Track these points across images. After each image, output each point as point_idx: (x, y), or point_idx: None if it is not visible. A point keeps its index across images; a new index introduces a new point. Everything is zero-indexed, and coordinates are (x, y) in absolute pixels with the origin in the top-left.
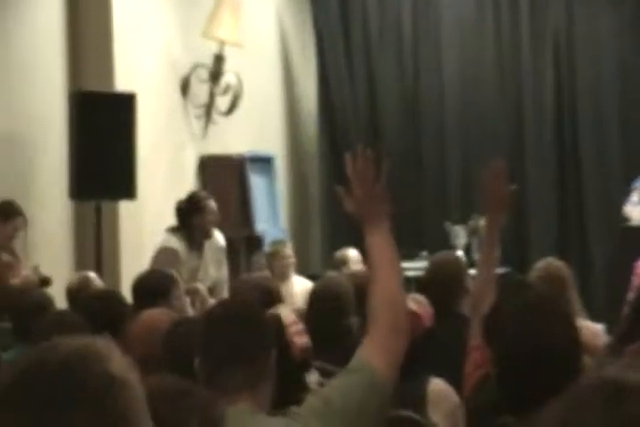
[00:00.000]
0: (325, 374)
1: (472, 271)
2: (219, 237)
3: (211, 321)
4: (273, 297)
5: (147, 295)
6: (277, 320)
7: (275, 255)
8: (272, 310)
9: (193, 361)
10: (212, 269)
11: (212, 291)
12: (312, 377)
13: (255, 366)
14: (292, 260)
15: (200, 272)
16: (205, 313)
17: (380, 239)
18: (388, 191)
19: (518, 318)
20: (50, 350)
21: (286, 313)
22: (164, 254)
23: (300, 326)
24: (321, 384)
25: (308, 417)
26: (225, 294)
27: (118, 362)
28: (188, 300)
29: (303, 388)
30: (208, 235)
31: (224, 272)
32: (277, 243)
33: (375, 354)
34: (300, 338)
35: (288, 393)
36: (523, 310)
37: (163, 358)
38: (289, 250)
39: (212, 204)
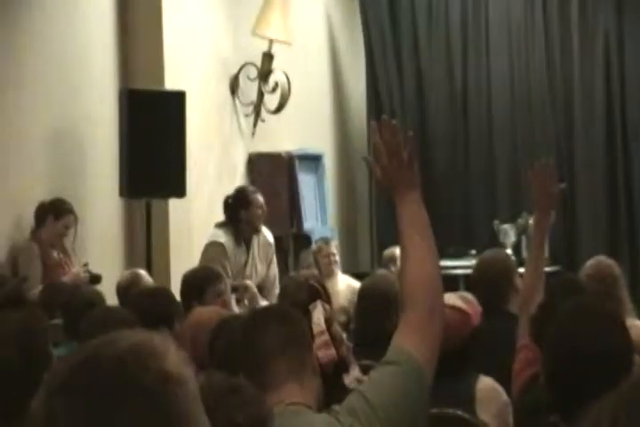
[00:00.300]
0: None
1: (521, 270)
2: (267, 234)
3: (252, 318)
4: (319, 295)
5: (190, 293)
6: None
7: (319, 253)
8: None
9: (236, 359)
10: (260, 266)
11: (260, 288)
12: (353, 373)
13: (297, 362)
14: (337, 257)
15: (248, 268)
16: (248, 313)
17: (410, 208)
18: (415, 160)
19: (573, 321)
20: (107, 345)
21: (316, 320)
22: (212, 249)
23: (326, 337)
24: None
25: (347, 416)
26: (276, 291)
27: (174, 358)
28: (233, 297)
29: (341, 390)
30: (256, 230)
31: (273, 269)
32: (322, 241)
33: (412, 341)
34: (323, 352)
35: (332, 394)
36: (577, 312)
37: (208, 356)
38: (333, 248)
39: (260, 198)
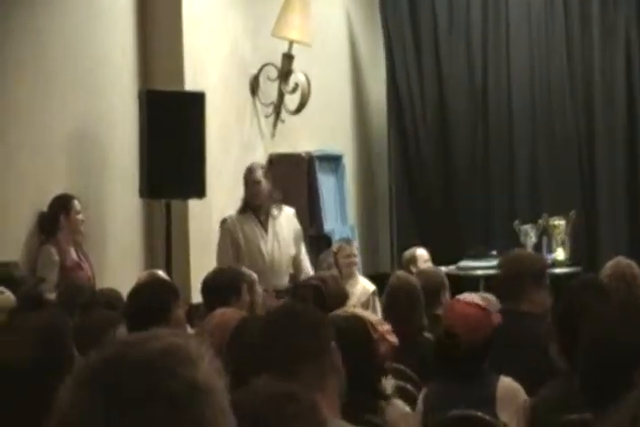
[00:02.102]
0: (405, 378)
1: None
2: (292, 218)
3: (268, 322)
4: (330, 296)
5: (217, 293)
6: (355, 320)
7: (340, 253)
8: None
9: (254, 360)
10: (284, 246)
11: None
12: (388, 382)
13: (316, 367)
14: (356, 258)
15: (263, 245)
16: (265, 314)
17: None
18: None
19: (609, 320)
20: (138, 344)
21: (364, 311)
22: (220, 230)
23: (388, 326)
24: (398, 389)
25: None
26: (308, 272)
27: (206, 367)
28: (261, 293)
29: (379, 395)
30: (259, 208)
31: (302, 253)
32: (344, 241)
33: None
34: (391, 337)
35: (363, 400)
36: (612, 312)
37: (228, 357)
38: (354, 248)
39: (253, 175)
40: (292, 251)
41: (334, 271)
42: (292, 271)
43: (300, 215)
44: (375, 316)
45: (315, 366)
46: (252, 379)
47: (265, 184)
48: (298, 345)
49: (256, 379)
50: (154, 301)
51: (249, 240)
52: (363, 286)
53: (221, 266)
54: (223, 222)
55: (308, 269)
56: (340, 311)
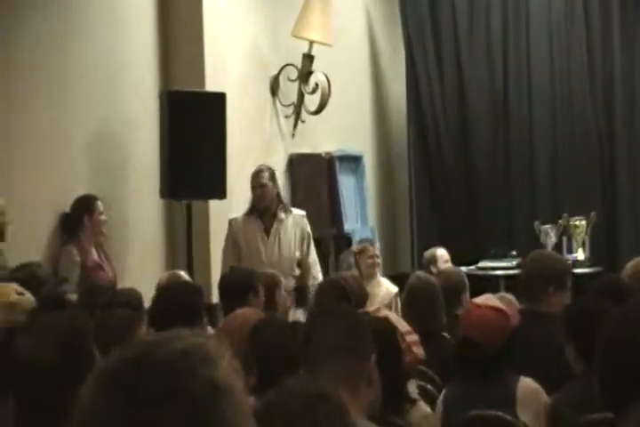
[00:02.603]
0: (426, 378)
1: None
2: (300, 220)
3: (317, 317)
4: (350, 297)
5: (233, 293)
6: (387, 324)
7: (363, 253)
8: (377, 313)
9: (276, 358)
10: (287, 248)
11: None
12: (412, 385)
13: (353, 368)
14: (378, 259)
15: (263, 246)
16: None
17: None
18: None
19: (630, 322)
20: (160, 345)
21: (397, 319)
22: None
23: (416, 337)
24: (419, 390)
25: None
26: (317, 276)
27: (225, 367)
28: (285, 295)
29: (404, 398)
30: (264, 211)
31: (312, 256)
32: (367, 241)
33: None
34: (418, 349)
35: (389, 402)
36: (633, 314)
37: (249, 356)
38: (376, 249)
39: (260, 178)
40: (296, 254)
41: (355, 272)
42: (296, 274)
43: (320, 215)
44: (404, 324)
45: (348, 366)
46: (278, 378)
47: (271, 187)
48: (337, 346)
49: (288, 378)
50: (182, 302)
51: (248, 243)
52: (386, 287)
53: (223, 267)
54: (229, 224)
55: (316, 272)
56: (371, 312)
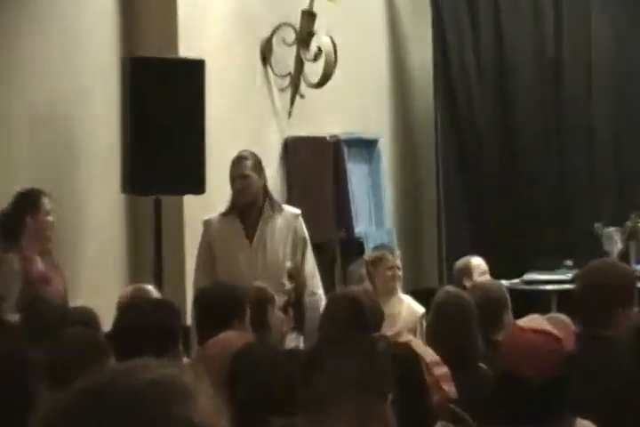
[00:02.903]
0: (456, 419)
1: None
2: (293, 220)
3: (321, 345)
4: (367, 319)
5: (211, 315)
6: (410, 352)
7: (376, 264)
8: (398, 338)
9: (263, 396)
10: (273, 254)
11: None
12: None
13: (368, 406)
14: (399, 271)
15: (242, 252)
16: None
17: None
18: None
19: None
20: (125, 375)
21: (422, 347)
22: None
23: (446, 369)
24: None
25: None
26: (317, 291)
27: (206, 405)
28: (280, 315)
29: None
30: (247, 209)
31: (308, 264)
32: (381, 249)
33: None
34: (447, 385)
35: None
36: None
37: (228, 385)
38: (395, 258)
39: (241, 168)
40: (287, 264)
41: (367, 286)
42: (287, 288)
43: (324, 215)
44: (431, 353)
45: (358, 409)
46: (261, 419)
47: (255, 179)
48: (341, 385)
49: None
50: (152, 324)
51: (225, 250)
52: (409, 306)
53: (195, 282)
54: (203, 227)
55: (315, 287)
56: (391, 337)
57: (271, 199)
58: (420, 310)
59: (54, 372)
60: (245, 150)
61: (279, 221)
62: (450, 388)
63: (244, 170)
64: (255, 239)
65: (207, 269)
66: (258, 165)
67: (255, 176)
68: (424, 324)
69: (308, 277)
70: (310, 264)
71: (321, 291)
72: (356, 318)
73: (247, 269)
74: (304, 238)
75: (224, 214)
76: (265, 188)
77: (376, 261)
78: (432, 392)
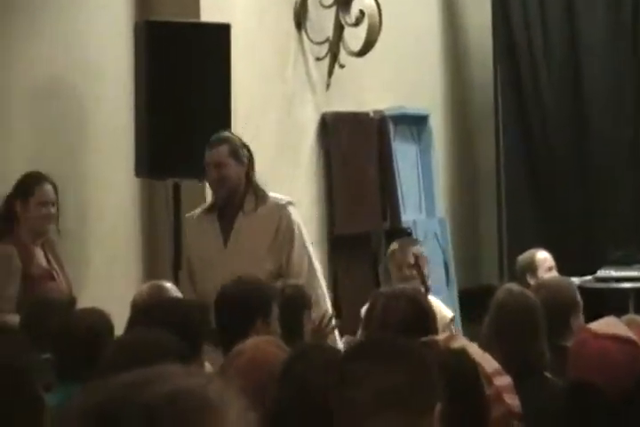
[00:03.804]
0: None
1: None
2: (275, 211)
3: (351, 356)
4: (430, 321)
5: (237, 314)
6: (466, 360)
7: (393, 259)
8: (452, 342)
9: (318, 402)
10: (250, 254)
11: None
12: None
13: (412, 420)
14: (426, 269)
15: (216, 254)
16: (349, 345)
17: None
18: None
19: None
20: (138, 388)
21: (480, 353)
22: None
23: (509, 380)
24: None
25: None
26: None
27: (233, 422)
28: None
29: None
30: (225, 202)
31: (296, 258)
32: (403, 241)
33: None
34: (511, 398)
35: None
36: None
37: (278, 399)
38: (420, 250)
39: (215, 154)
40: (266, 267)
41: (416, 284)
42: None
43: (367, 202)
44: (491, 361)
45: (410, 422)
46: None
47: (233, 167)
48: (376, 398)
49: None
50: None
51: (201, 253)
52: (438, 309)
53: (182, 290)
54: (185, 222)
55: (317, 287)
56: (442, 341)
57: (256, 190)
58: (449, 314)
59: None
60: (224, 132)
61: (261, 215)
62: (513, 401)
63: (219, 157)
64: (231, 240)
65: (190, 276)
66: (235, 152)
67: (233, 163)
68: (453, 329)
69: (312, 276)
70: (305, 262)
71: (326, 295)
72: (417, 319)
73: (222, 275)
74: (291, 229)
75: (206, 211)
76: (248, 176)
77: (391, 255)
78: (493, 406)
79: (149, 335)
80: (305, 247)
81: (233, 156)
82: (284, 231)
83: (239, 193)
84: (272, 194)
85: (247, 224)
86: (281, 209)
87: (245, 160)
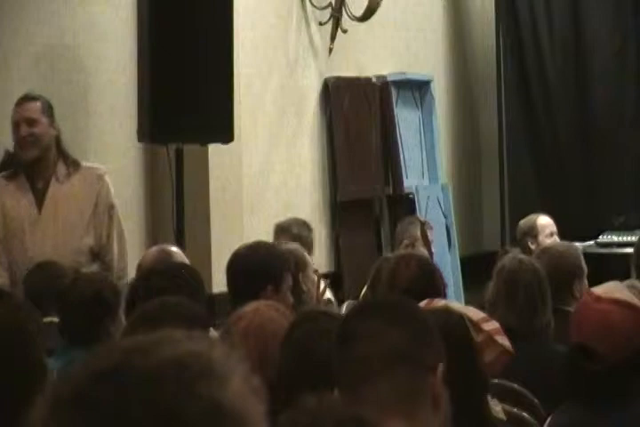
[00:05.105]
0: (520, 401)
1: None
2: (94, 181)
3: (353, 316)
4: (439, 282)
5: (249, 280)
6: (452, 313)
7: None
8: (431, 305)
9: (321, 368)
10: (65, 226)
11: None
12: (494, 405)
13: (409, 384)
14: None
15: (29, 226)
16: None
17: None
18: None
19: None
20: (144, 352)
21: (463, 306)
22: None
23: (497, 324)
24: (510, 418)
25: None
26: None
27: (239, 386)
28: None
29: (484, 418)
30: (34, 166)
31: (112, 235)
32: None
33: None
34: (503, 338)
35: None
36: None
37: (280, 366)
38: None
39: (23, 110)
40: (85, 240)
41: (423, 250)
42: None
43: (369, 167)
44: (475, 311)
45: (403, 381)
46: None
47: (45, 125)
48: (384, 355)
49: (314, 397)
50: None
51: (9, 222)
52: None
53: None
54: None
55: (119, 269)
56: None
57: (65, 154)
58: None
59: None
60: (29, 93)
61: (77, 183)
62: (505, 341)
63: (31, 113)
64: (45, 207)
65: None
66: (49, 110)
67: (45, 122)
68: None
69: (117, 258)
70: (117, 243)
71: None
72: (426, 282)
73: (34, 247)
74: (111, 206)
75: (8, 176)
76: (58, 139)
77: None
78: (487, 349)
79: (171, 302)
80: (121, 224)
81: (46, 114)
82: (103, 204)
83: (50, 157)
84: (83, 162)
85: (63, 193)
86: (99, 179)
87: (56, 122)
